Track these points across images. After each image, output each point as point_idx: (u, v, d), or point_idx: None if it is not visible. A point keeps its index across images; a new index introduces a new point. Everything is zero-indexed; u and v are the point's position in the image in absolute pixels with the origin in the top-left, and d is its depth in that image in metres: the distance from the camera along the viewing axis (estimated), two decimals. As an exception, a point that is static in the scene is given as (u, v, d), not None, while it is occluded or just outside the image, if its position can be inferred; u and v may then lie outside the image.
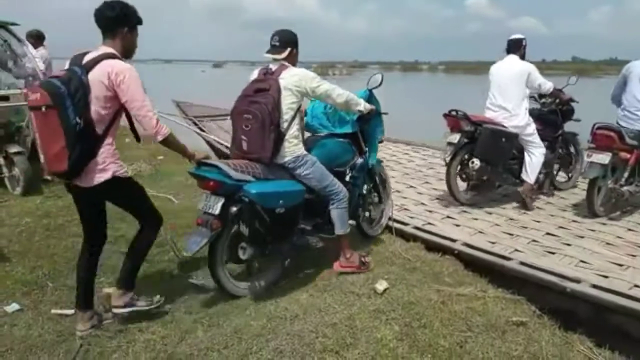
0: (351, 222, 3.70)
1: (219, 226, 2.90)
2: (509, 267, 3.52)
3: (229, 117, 3.22)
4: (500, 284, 3.37)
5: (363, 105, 3.43)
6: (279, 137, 3.04)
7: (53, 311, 2.93)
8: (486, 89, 5.00)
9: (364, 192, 3.85)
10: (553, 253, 3.75)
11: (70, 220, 4.29)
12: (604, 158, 4.35)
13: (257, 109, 2.98)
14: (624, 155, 4.48)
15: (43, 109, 2.41)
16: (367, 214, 3.98)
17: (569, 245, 3.91)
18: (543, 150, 4.90)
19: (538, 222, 4.47)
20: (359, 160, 3.70)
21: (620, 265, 3.53)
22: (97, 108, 2.51)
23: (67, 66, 2.59)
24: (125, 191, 2.78)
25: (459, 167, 4.80)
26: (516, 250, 3.80)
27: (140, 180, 5.64)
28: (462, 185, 4.97)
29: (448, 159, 4.75)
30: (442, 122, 4.93)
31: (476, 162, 4.66)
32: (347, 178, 3.59)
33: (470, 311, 2.93)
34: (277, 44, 3.19)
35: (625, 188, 4.55)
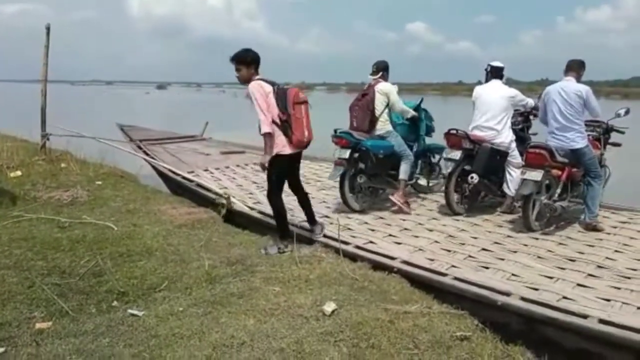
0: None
1: (346, 165, 5.23)
2: (445, 282, 3.61)
3: (175, 141, 3.83)
4: (444, 300, 3.44)
5: (410, 113, 5.74)
6: (373, 119, 5.42)
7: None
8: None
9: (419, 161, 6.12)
10: (487, 268, 3.88)
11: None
12: (537, 175, 4.59)
13: (361, 104, 5.47)
14: (555, 172, 4.75)
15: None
16: (419, 179, 6.20)
17: (502, 259, 4.06)
18: (521, 164, 5.17)
19: (475, 238, 4.63)
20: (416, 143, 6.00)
21: (550, 277, 3.68)
22: None
23: None
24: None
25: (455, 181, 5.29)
26: (453, 266, 3.90)
27: (78, 207, 5.48)
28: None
29: (447, 174, 5.33)
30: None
31: (475, 177, 5.17)
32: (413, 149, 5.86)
33: (417, 328, 2.97)
34: (374, 69, 5.59)
35: (558, 204, 4.81)
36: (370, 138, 5.36)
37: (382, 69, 5.55)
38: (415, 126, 5.94)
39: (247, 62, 4.17)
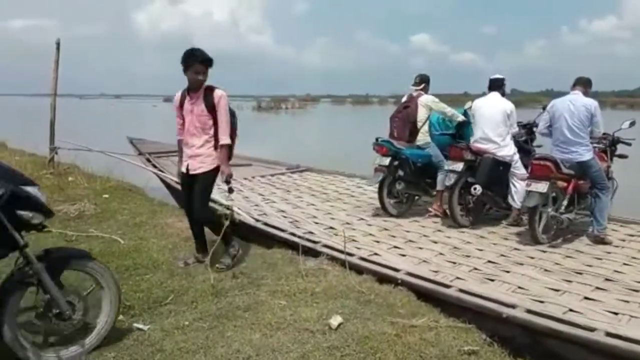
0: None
1: (386, 172, 5.53)
2: (449, 294, 3.59)
3: None
4: (451, 313, 3.41)
5: (460, 117, 5.88)
6: (414, 130, 5.70)
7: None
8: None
9: None
10: (492, 280, 3.85)
11: None
12: (542, 187, 4.58)
13: (402, 115, 5.76)
14: (561, 183, 4.73)
15: None
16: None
17: (508, 272, 4.03)
18: (526, 176, 5.19)
19: (481, 250, 4.60)
20: None
21: (557, 290, 3.65)
22: None
23: None
24: None
25: (458, 193, 5.29)
26: (457, 278, 3.88)
27: (85, 221, 5.51)
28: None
29: (449, 186, 5.30)
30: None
31: (478, 188, 5.16)
32: None
33: (424, 342, 2.95)
34: (417, 80, 5.94)
35: (565, 216, 4.78)
36: (410, 147, 5.71)
37: (424, 81, 5.94)
38: (453, 139, 5.98)
39: (210, 65, 3.95)
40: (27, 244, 2.55)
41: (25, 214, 2.48)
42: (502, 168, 5.29)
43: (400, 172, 5.72)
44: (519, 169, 5.34)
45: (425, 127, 5.85)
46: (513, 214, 5.45)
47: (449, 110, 5.93)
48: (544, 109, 5.97)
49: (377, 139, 5.79)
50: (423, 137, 5.84)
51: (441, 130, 6.09)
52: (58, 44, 8.56)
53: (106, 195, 6.85)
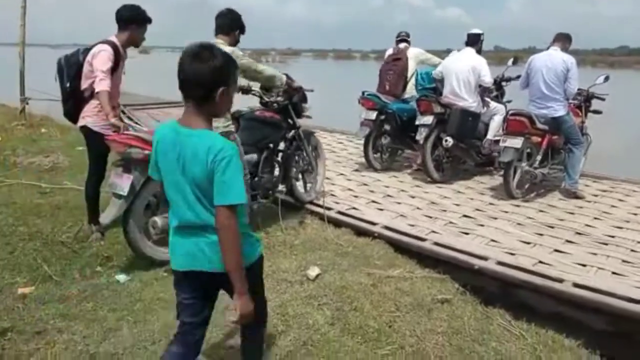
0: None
1: (372, 126, 5.61)
2: (424, 247, 3.67)
3: (160, 106, 3.79)
4: (427, 265, 3.51)
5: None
6: (405, 84, 5.79)
7: None
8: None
9: None
10: (467, 234, 3.94)
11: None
12: (517, 142, 4.63)
13: (396, 68, 5.80)
14: (535, 139, 4.79)
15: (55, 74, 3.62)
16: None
17: (482, 226, 4.13)
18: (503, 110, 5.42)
19: (457, 205, 4.67)
20: None
21: (528, 243, 3.76)
22: (85, 77, 3.47)
23: None
24: (91, 140, 3.61)
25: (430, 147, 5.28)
26: (433, 231, 3.96)
27: (59, 173, 5.39)
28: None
29: (422, 140, 5.26)
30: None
31: (449, 140, 5.15)
32: None
33: (399, 292, 3.04)
34: (405, 35, 6.17)
35: (538, 170, 4.87)
36: (395, 101, 5.71)
37: (407, 39, 6.15)
38: (434, 92, 5.89)
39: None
40: (300, 125, 4.30)
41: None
42: (471, 119, 5.30)
43: (386, 127, 5.76)
44: (494, 108, 5.49)
45: (414, 80, 5.91)
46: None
47: (437, 60, 5.97)
48: (513, 63, 6.03)
49: (363, 93, 5.77)
50: (410, 90, 5.89)
51: (426, 85, 6.07)
52: (24, -12, 8.11)
53: (80, 148, 6.66)
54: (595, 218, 4.39)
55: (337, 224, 4.16)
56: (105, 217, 3.25)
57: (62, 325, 2.60)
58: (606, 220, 4.33)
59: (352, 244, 3.78)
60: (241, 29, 3.60)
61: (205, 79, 1.60)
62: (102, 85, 3.36)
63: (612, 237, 3.93)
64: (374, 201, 4.73)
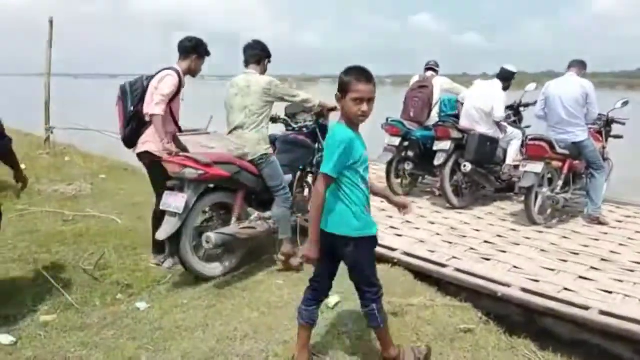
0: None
1: (395, 152, 5.71)
2: (445, 274, 3.62)
3: (180, 134, 3.97)
4: (447, 293, 3.45)
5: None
6: (430, 111, 5.84)
7: None
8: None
9: None
10: (488, 260, 3.88)
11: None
12: (537, 167, 4.59)
13: (422, 95, 5.84)
14: (556, 164, 4.74)
15: (117, 100, 3.74)
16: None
17: (504, 252, 4.06)
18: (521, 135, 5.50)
19: (477, 230, 4.62)
20: None
21: (552, 270, 3.69)
22: (147, 102, 3.59)
23: None
24: (155, 166, 3.66)
25: (450, 172, 5.31)
26: (454, 257, 3.91)
27: (82, 200, 5.49)
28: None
29: (440, 165, 5.30)
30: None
31: (468, 165, 5.16)
32: None
33: (420, 321, 2.98)
34: (433, 64, 6.12)
35: (560, 196, 4.80)
36: (419, 129, 5.80)
37: (437, 65, 6.20)
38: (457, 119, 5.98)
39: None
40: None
41: None
42: (489, 144, 5.30)
43: (410, 153, 5.85)
44: (510, 133, 5.50)
45: (437, 108, 5.97)
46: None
47: (462, 89, 6.02)
48: (535, 88, 6.06)
49: (387, 119, 5.84)
50: (434, 118, 5.94)
51: (448, 111, 6.11)
52: (51, 22, 8.42)
53: (103, 176, 6.82)
54: (620, 244, 4.29)
55: (355, 250, 4.13)
56: (160, 234, 3.40)
57: (83, 353, 2.60)
58: (631, 247, 4.23)
59: (371, 271, 3.74)
60: (269, 57, 3.85)
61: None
62: (157, 109, 3.50)
63: (639, 263, 3.83)
64: (392, 227, 4.71)
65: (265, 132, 3.78)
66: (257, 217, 3.78)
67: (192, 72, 3.82)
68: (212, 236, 3.39)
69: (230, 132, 3.82)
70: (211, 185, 3.60)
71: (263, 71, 3.81)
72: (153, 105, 3.51)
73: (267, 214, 3.82)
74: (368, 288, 2.38)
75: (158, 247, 3.79)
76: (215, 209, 3.77)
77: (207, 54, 3.85)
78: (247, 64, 3.78)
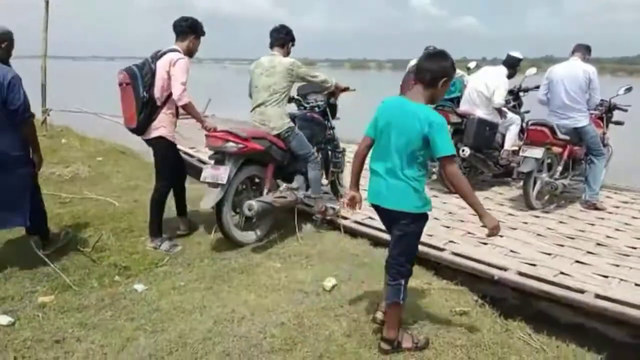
0: None
1: None
2: (443, 257, 3.62)
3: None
4: (444, 276, 3.46)
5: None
6: None
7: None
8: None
9: None
10: (485, 244, 3.89)
11: None
12: (537, 152, 4.57)
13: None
14: (556, 149, 4.73)
15: (124, 85, 3.57)
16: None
17: (501, 236, 4.05)
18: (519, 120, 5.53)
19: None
20: None
21: (549, 254, 3.70)
22: (159, 87, 3.56)
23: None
24: (169, 151, 3.79)
25: None
26: (451, 241, 3.91)
27: (79, 183, 5.48)
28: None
29: None
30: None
31: (466, 150, 5.14)
32: None
33: (416, 304, 3.00)
34: (432, 48, 5.63)
35: (559, 181, 4.80)
36: None
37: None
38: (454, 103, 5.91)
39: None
40: (334, 127, 4.74)
41: None
42: (488, 129, 5.28)
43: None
44: (509, 118, 5.49)
45: None
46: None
47: (460, 73, 5.96)
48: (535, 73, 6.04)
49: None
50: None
51: (448, 95, 6.06)
52: (47, 3, 8.32)
53: (100, 158, 6.80)
54: (617, 229, 4.30)
55: (353, 233, 4.14)
56: (205, 204, 3.62)
57: (80, 334, 2.62)
58: (628, 232, 4.24)
59: (368, 254, 3.76)
60: (293, 41, 4.12)
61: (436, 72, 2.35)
62: (185, 98, 3.56)
63: (634, 248, 3.85)
64: (390, 211, 4.70)
65: (286, 108, 4.07)
66: (285, 187, 4.14)
67: (190, 52, 3.80)
68: (255, 204, 3.68)
69: (253, 109, 4.06)
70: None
71: (286, 54, 4.06)
72: (181, 94, 3.52)
73: (294, 184, 4.19)
74: (406, 260, 2.49)
75: (155, 231, 3.79)
76: (246, 182, 3.97)
77: (203, 33, 3.84)
78: (272, 46, 4.05)
